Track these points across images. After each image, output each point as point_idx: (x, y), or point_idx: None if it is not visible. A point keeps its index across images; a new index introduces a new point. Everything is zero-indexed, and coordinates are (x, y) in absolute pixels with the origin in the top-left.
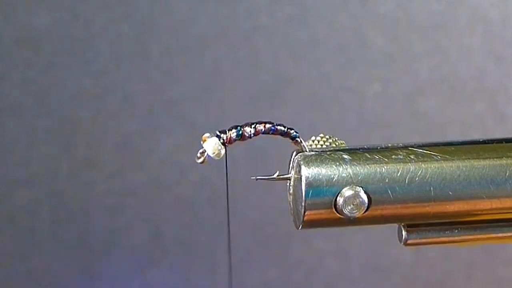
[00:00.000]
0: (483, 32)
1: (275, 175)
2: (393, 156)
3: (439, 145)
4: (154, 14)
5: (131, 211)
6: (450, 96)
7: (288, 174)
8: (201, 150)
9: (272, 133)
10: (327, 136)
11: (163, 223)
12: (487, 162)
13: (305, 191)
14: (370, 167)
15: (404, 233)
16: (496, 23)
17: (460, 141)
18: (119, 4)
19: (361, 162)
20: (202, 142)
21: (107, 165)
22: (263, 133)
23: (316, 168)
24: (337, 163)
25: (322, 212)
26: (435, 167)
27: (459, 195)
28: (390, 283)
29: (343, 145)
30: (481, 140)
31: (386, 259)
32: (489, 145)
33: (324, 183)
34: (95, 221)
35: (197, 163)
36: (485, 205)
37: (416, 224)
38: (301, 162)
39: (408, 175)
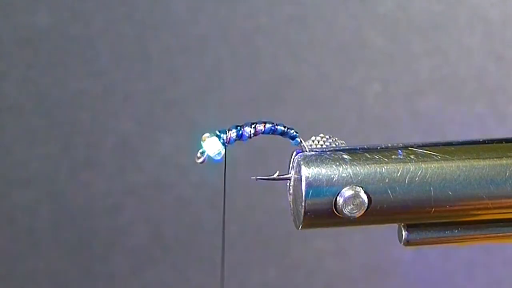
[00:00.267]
0: (483, 32)
1: (275, 175)
2: (393, 156)
3: (439, 145)
4: (154, 14)
5: (131, 211)
6: (450, 96)
7: (288, 174)
8: (201, 150)
9: (272, 133)
10: (327, 136)
11: (163, 223)
12: (487, 162)
13: (305, 191)
14: (370, 167)
15: (404, 233)
16: (496, 23)
17: (460, 141)
18: (119, 4)
19: (361, 162)
20: (202, 142)
21: (107, 165)
22: (263, 133)
23: (316, 168)
24: (337, 163)
25: (322, 212)
26: (435, 167)
27: (459, 195)
28: (390, 283)
29: (343, 145)
30: (481, 140)
31: (386, 259)
32: (489, 145)
33: (324, 183)
34: (95, 221)
35: (197, 163)
36: (485, 205)
37: (416, 224)
38: (301, 162)
39: (408, 175)
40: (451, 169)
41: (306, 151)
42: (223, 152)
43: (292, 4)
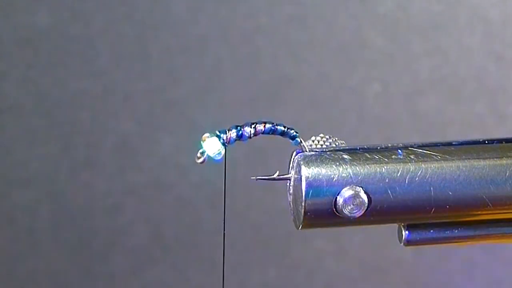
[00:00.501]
0: (483, 32)
1: (275, 175)
2: (393, 156)
3: (439, 145)
4: (154, 14)
5: (131, 211)
6: (450, 96)
7: (288, 174)
8: (201, 150)
9: (272, 133)
10: (327, 136)
11: (163, 223)
12: (487, 162)
13: (305, 191)
14: (370, 167)
15: (404, 233)
16: (496, 23)
17: (460, 141)
18: (119, 4)
19: (361, 162)
20: (202, 142)
21: (107, 165)
22: (263, 133)
23: (316, 168)
24: (337, 163)
25: (322, 212)
26: (435, 167)
27: (459, 195)
28: (390, 283)
29: (343, 145)
30: (481, 140)
31: (386, 259)
32: (489, 145)
33: (324, 183)
34: (95, 221)
35: (197, 163)
36: (485, 205)
37: (416, 224)
38: (301, 162)
39: (408, 175)
40: (451, 169)
41: (306, 151)
42: (223, 152)
43: (292, 4)
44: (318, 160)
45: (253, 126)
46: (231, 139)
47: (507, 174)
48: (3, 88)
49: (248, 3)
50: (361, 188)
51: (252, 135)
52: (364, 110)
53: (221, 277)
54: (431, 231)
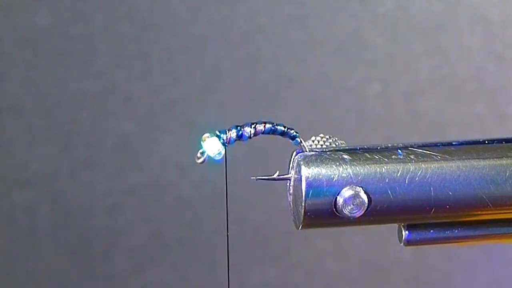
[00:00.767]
0: (483, 32)
1: (275, 175)
2: (393, 156)
3: (439, 145)
4: (154, 14)
5: (131, 211)
6: (450, 96)
7: (288, 174)
8: (201, 150)
9: (272, 133)
10: (327, 136)
11: (163, 223)
12: (487, 162)
13: (305, 191)
14: (370, 167)
15: (404, 233)
16: (496, 23)
17: (460, 141)
18: (119, 4)
19: (361, 162)
20: (202, 142)
21: (107, 165)
22: (263, 133)
23: (316, 168)
24: (337, 163)
25: (322, 212)
26: (435, 167)
27: (459, 195)
28: (390, 283)
29: (343, 145)
30: (481, 140)
31: (386, 259)
32: (489, 145)
33: (324, 183)
34: (95, 221)
35: (197, 163)
36: (485, 205)
37: (416, 224)
38: (301, 162)
39: (408, 175)
40: (451, 169)
41: (306, 151)
42: (223, 152)
43: (292, 4)
44: (318, 160)
45: (253, 126)
46: (231, 139)
47: (507, 174)
48: (3, 88)
49: (248, 3)
50: (361, 188)
51: (252, 135)
52: (364, 110)
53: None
54: (431, 231)
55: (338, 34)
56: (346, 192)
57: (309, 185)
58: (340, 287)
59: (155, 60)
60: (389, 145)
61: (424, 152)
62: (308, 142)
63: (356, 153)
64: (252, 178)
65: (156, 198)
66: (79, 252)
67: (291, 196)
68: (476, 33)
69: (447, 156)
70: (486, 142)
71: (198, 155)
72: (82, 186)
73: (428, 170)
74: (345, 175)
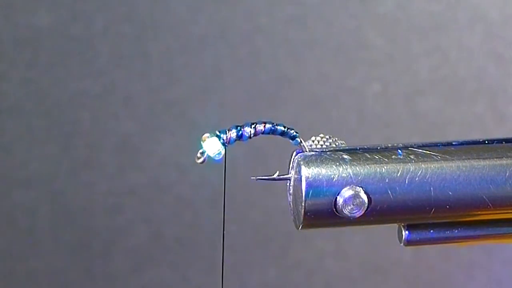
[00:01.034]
0: (483, 32)
1: (275, 175)
2: (393, 156)
3: (439, 145)
4: (154, 14)
5: (131, 211)
6: (450, 96)
7: (288, 174)
8: (201, 150)
9: (272, 133)
10: (327, 136)
11: (163, 223)
12: (487, 162)
13: (305, 191)
14: (370, 167)
15: (404, 233)
16: (496, 23)
17: (460, 141)
18: (119, 4)
19: (361, 162)
20: (202, 142)
21: (107, 165)
22: (263, 133)
23: (316, 168)
24: (337, 163)
25: (322, 212)
26: (435, 167)
27: (459, 195)
28: (390, 283)
29: (343, 145)
30: (481, 140)
31: (386, 259)
32: (489, 145)
33: (324, 183)
34: (95, 221)
35: (197, 163)
36: (485, 205)
37: (416, 224)
38: (301, 162)
39: (408, 175)
40: (451, 169)
41: (306, 151)
42: (223, 152)
43: (292, 4)
44: (318, 160)
45: (253, 126)
46: (231, 139)
47: (507, 174)
48: (3, 88)
49: (248, 3)
50: (361, 188)
51: (252, 135)
52: (364, 110)
53: (221, 277)
54: (431, 231)
55: (338, 34)
56: (346, 192)
57: (309, 185)
58: (340, 287)
59: (155, 60)
60: (389, 145)
61: (424, 152)
62: (308, 142)
63: (356, 153)
64: (252, 178)
65: (156, 198)
66: (79, 252)
67: (291, 196)
68: (476, 33)
69: (447, 156)
70: (486, 142)
71: (198, 155)
72: (82, 186)
73: (428, 170)
74: (345, 175)
